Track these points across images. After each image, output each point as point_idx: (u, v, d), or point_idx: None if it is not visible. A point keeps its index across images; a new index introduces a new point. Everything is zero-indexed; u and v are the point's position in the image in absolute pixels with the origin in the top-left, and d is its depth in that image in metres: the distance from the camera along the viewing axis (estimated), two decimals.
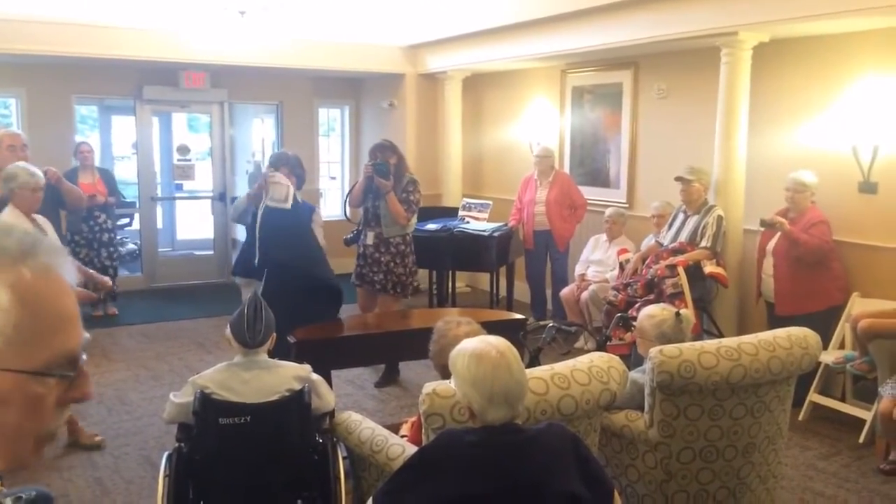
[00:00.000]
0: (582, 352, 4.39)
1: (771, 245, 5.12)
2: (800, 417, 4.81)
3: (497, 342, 2.11)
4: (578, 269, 6.61)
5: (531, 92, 7.81)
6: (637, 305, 5.13)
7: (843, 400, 4.88)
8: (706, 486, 3.15)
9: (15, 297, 0.82)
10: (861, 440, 4.51)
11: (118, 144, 10.77)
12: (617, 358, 2.95)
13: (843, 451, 4.45)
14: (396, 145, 5.61)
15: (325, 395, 3.08)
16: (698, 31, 5.26)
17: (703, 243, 5.36)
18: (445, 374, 2.79)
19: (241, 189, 9.31)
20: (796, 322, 3.66)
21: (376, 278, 5.44)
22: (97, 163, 7.54)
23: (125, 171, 10.72)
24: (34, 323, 0.83)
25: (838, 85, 5.14)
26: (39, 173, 4.20)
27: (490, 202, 7.39)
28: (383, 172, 5.24)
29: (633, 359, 4.30)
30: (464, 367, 2.06)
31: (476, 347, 2.09)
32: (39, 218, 4.18)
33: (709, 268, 5.31)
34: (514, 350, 2.12)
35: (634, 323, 3.77)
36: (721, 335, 5.02)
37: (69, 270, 0.89)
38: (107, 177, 7.44)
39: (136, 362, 6.08)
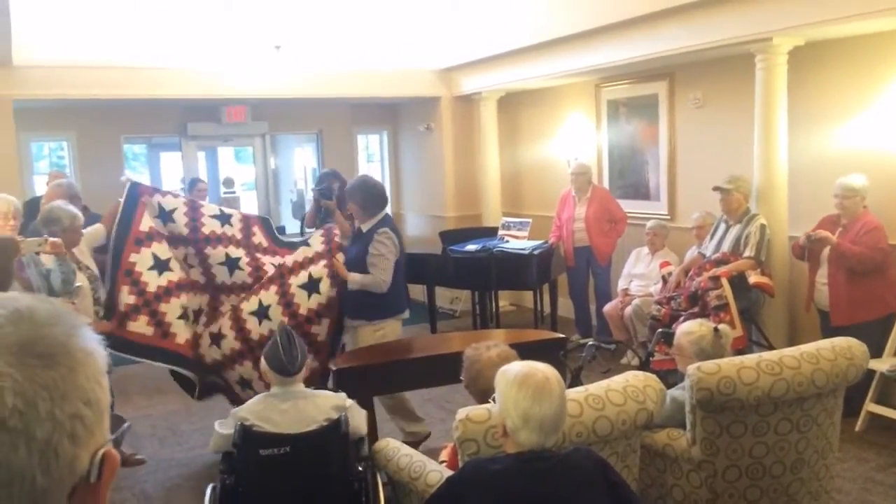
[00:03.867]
0: (628, 368, 4.34)
1: (825, 253, 4.98)
2: (856, 428, 4.66)
3: (545, 368, 2.15)
4: (621, 284, 6.54)
5: (566, 108, 7.79)
6: (681, 319, 5.04)
7: None
8: None
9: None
10: None
11: (167, 180, 11.07)
12: (653, 376, 2.91)
13: None
14: (339, 173, 6.19)
15: (356, 418, 3.11)
16: (732, 38, 5.20)
17: (747, 253, 5.25)
18: (481, 399, 2.79)
19: (287, 218, 9.50)
20: (852, 331, 3.56)
21: None
22: None
23: None
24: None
25: (879, 84, 5.02)
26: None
27: (529, 220, 7.37)
28: (326, 195, 5.69)
29: (679, 373, 4.23)
30: (507, 384, 2.10)
31: (522, 369, 2.14)
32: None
33: (754, 278, 5.20)
34: (561, 380, 2.14)
35: None
36: (771, 347, 4.90)
37: None
38: None
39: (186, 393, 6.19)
